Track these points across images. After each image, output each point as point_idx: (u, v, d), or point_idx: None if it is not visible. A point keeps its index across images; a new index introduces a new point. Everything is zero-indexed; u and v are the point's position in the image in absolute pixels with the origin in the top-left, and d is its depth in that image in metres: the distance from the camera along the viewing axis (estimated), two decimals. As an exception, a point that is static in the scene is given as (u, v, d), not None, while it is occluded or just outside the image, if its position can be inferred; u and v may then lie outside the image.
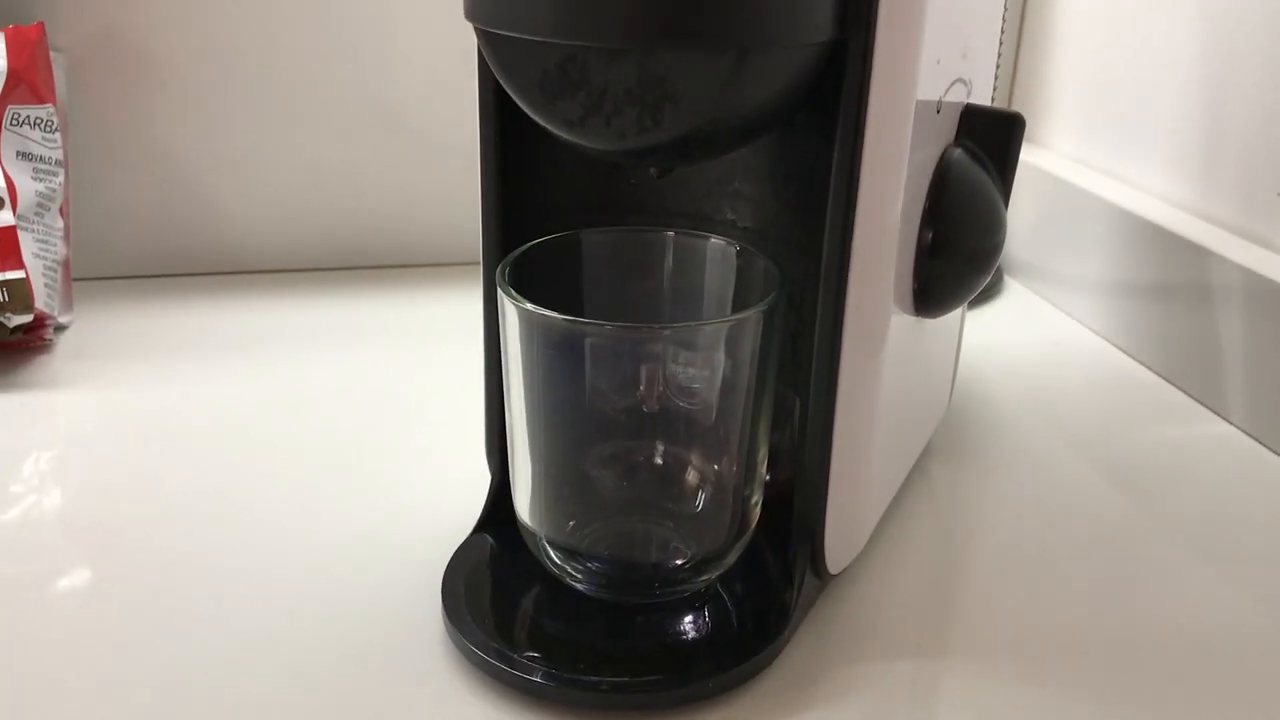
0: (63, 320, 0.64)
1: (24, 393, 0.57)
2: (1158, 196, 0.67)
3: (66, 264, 0.65)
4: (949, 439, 0.55)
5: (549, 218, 0.41)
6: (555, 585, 0.40)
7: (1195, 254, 0.60)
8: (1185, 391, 0.61)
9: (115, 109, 0.69)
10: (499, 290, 0.37)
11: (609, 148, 0.34)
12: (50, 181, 0.63)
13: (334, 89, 0.72)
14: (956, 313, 0.51)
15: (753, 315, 0.36)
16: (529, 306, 0.36)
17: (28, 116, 0.61)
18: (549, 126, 0.34)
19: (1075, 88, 0.75)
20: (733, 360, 0.36)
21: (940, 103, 0.39)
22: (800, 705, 0.37)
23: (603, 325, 0.35)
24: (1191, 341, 0.60)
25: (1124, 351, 0.66)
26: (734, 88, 0.32)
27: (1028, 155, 0.76)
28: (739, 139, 0.35)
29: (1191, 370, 0.61)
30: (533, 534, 0.40)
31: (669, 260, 0.41)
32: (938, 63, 0.38)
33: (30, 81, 0.61)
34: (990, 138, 0.42)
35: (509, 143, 0.40)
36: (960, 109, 0.42)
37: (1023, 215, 0.75)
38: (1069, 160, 0.75)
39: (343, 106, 0.72)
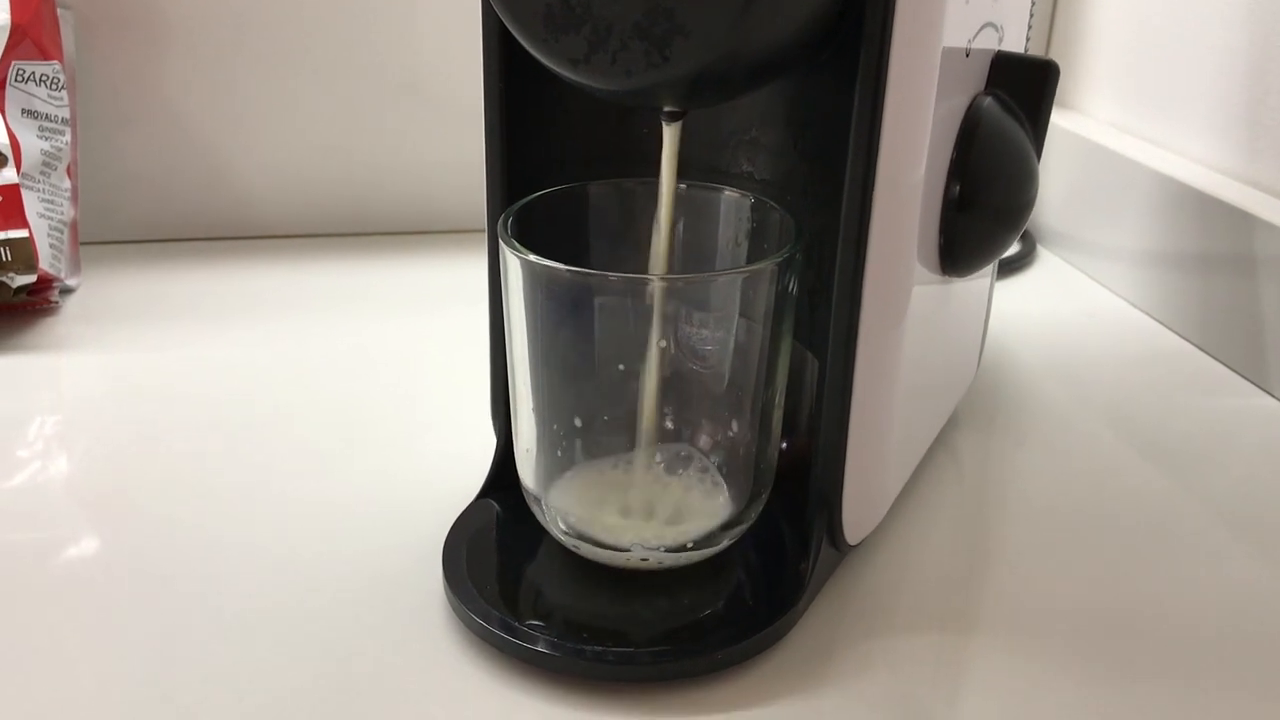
0: (70, 283, 0.63)
1: (30, 355, 0.57)
2: (1198, 161, 0.64)
3: (74, 226, 0.64)
4: (976, 409, 0.53)
5: (557, 172, 0.40)
6: (560, 552, 0.39)
7: (1238, 220, 0.57)
8: (1225, 364, 0.59)
9: (124, 69, 0.68)
10: (500, 242, 0.35)
11: (615, 87, 0.32)
12: (57, 140, 0.61)
13: (347, 52, 0.70)
14: (985, 276, 0.49)
15: (767, 267, 0.34)
16: (531, 257, 0.34)
17: (32, 73, 0.60)
18: (553, 66, 0.33)
19: (1113, 49, 0.72)
20: (746, 317, 0.35)
21: (969, 48, 0.37)
22: (814, 681, 0.36)
23: (607, 276, 0.34)
24: (1233, 312, 0.58)
25: (1161, 323, 0.63)
26: (748, 21, 0.30)
27: (1062, 119, 0.73)
28: (754, 79, 0.33)
29: (1232, 341, 0.58)
30: (537, 499, 0.38)
31: (681, 213, 0.39)
32: (966, 2, 0.35)
33: (35, 37, 0.60)
34: (1022, 87, 0.40)
35: (515, 93, 0.39)
36: (990, 56, 0.40)
37: (1056, 182, 0.72)
38: (1105, 124, 0.73)
39: (356, 70, 0.71)
